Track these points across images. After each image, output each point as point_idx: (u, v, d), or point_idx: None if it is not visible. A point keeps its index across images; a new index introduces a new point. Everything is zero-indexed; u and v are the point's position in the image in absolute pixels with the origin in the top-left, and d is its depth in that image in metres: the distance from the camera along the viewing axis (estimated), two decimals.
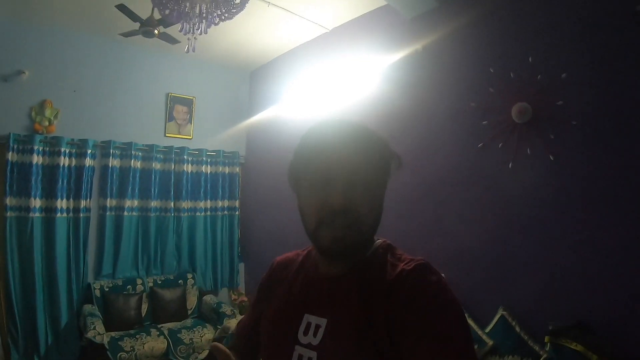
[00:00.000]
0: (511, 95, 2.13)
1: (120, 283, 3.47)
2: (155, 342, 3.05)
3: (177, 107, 4.00)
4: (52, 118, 3.30)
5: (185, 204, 3.93)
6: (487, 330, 2.13)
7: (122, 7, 2.50)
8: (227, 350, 0.64)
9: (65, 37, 3.38)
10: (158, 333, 3.19)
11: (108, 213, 3.54)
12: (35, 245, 3.14)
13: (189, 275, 3.84)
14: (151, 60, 3.83)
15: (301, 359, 0.66)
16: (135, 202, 3.69)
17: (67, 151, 3.31)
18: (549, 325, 1.86)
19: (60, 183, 3.26)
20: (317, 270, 0.74)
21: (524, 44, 2.14)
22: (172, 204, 3.85)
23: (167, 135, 3.95)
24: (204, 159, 4.06)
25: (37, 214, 3.18)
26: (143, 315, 3.42)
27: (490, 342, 2.08)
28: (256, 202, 4.19)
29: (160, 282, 3.65)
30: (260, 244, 4.08)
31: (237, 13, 2.11)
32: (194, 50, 2.20)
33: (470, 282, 2.27)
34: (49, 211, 3.24)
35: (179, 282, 3.74)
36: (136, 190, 3.69)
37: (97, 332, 2.90)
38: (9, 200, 3.07)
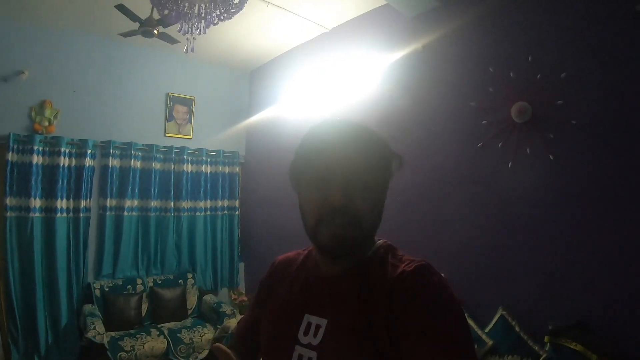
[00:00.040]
0: (511, 95, 2.13)
1: (120, 283, 3.47)
2: (155, 342, 3.06)
3: (177, 107, 4.00)
4: (51, 118, 3.30)
5: (185, 204, 3.93)
6: (487, 330, 2.14)
7: (121, 7, 2.50)
8: (228, 351, 0.63)
9: (65, 37, 3.37)
10: (158, 333, 3.19)
11: (108, 213, 3.54)
12: (35, 245, 3.14)
13: (189, 275, 3.84)
14: (151, 60, 3.83)
15: (301, 359, 0.66)
16: (135, 202, 3.69)
17: (67, 151, 3.31)
18: (548, 325, 1.87)
19: (60, 183, 3.26)
20: (317, 270, 0.74)
21: (524, 43, 2.14)
22: (172, 203, 3.85)
23: (167, 135, 3.94)
24: (204, 158, 4.06)
25: (37, 214, 3.18)
26: (143, 315, 3.42)
27: (490, 342, 2.08)
28: (256, 202, 4.19)
29: (160, 282, 3.65)
30: (260, 244, 4.08)
31: (236, 13, 2.11)
32: (192, 51, 2.20)
33: (470, 281, 2.27)
34: (49, 211, 3.24)
35: (179, 281, 3.74)
36: (136, 190, 3.69)
37: (97, 331, 2.90)
38: (9, 200, 3.07)
